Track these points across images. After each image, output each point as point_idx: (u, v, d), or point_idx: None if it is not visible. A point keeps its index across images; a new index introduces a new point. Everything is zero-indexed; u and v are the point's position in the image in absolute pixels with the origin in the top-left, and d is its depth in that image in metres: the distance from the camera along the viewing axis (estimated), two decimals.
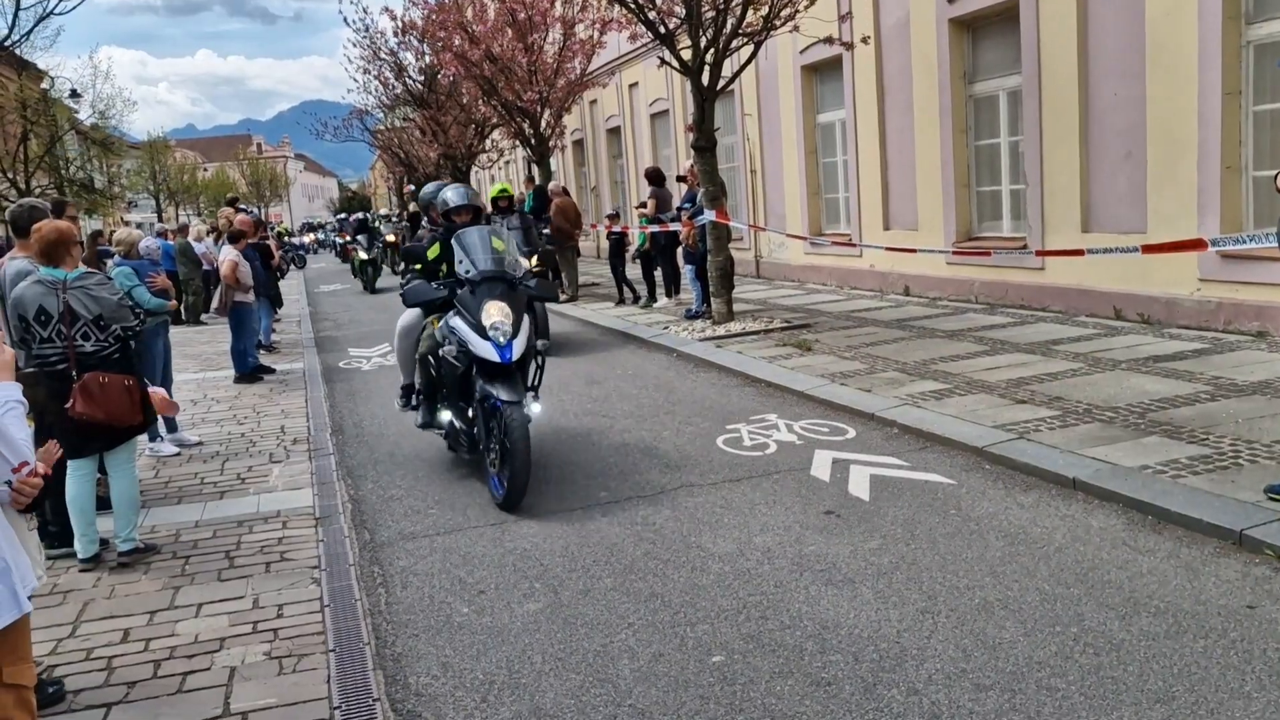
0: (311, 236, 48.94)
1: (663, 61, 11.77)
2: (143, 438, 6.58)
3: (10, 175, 23.60)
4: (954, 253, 11.36)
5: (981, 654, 3.72)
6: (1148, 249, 6.80)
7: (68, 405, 5.03)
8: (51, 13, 21.31)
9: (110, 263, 7.72)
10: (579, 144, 27.55)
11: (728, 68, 11.30)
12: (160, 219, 47.18)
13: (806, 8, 10.98)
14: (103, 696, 3.90)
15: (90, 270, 5.48)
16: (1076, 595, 4.15)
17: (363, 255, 22.56)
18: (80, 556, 5.32)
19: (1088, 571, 4.37)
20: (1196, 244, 6.49)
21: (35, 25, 21.63)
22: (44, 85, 25.99)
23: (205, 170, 67.08)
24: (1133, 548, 4.59)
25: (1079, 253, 8.23)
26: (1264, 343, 8.09)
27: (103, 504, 5.57)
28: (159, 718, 3.71)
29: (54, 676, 3.99)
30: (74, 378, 5.10)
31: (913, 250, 10.84)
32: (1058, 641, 3.77)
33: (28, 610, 2.69)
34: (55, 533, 5.47)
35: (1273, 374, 7.08)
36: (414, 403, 7.14)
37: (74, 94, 26.79)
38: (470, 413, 6.31)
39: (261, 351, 12.12)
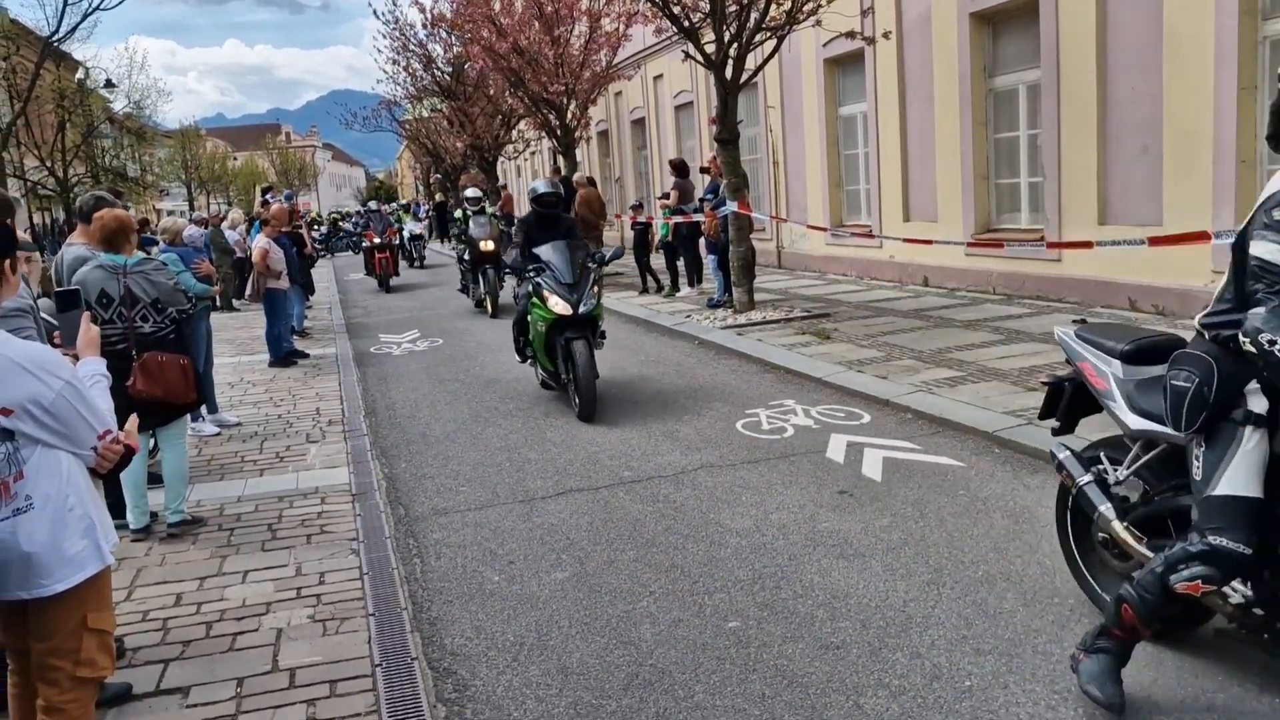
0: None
1: (687, 55, 11.98)
2: (188, 416, 6.90)
3: (49, 164, 24.09)
4: (970, 244, 11.53)
5: (983, 622, 3.96)
6: (1154, 241, 6.97)
7: (128, 383, 5.33)
8: (98, 8, 21.66)
9: (155, 249, 8.04)
10: (604, 135, 27.77)
11: (751, 61, 11.49)
12: (192, 207, 47.77)
13: (829, 2, 11.15)
14: (160, 654, 4.20)
15: (148, 256, 5.80)
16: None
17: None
18: (132, 527, 5.62)
19: None
20: (1201, 236, 6.66)
21: (81, 20, 22.04)
22: (79, 76, 26.49)
23: (235, 159, 67.81)
24: None
25: (1088, 244, 8.42)
26: None
27: (151, 479, 5.90)
28: (213, 672, 4.00)
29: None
30: (134, 357, 5.41)
31: (930, 241, 11.01)
32: (1055, 611, 4.00)
33: (110, 563, 2.97)
34: (109, 504, 5.79)
35: None
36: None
37: (109, 84, 27.27)
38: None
39: (295, 337, 12.46)
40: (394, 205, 42.86)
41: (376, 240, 20.40)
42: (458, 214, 17.60)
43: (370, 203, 29.86)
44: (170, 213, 31.54)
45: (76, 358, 3.08)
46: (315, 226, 37.22)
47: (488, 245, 14.57)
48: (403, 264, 23.33)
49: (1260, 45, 8.59)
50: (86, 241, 5.67)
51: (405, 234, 24.39)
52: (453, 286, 18.58)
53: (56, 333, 3.29)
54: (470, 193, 17.16)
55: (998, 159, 12.26)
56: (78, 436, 2.81)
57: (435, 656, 4.06)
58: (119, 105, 30.19)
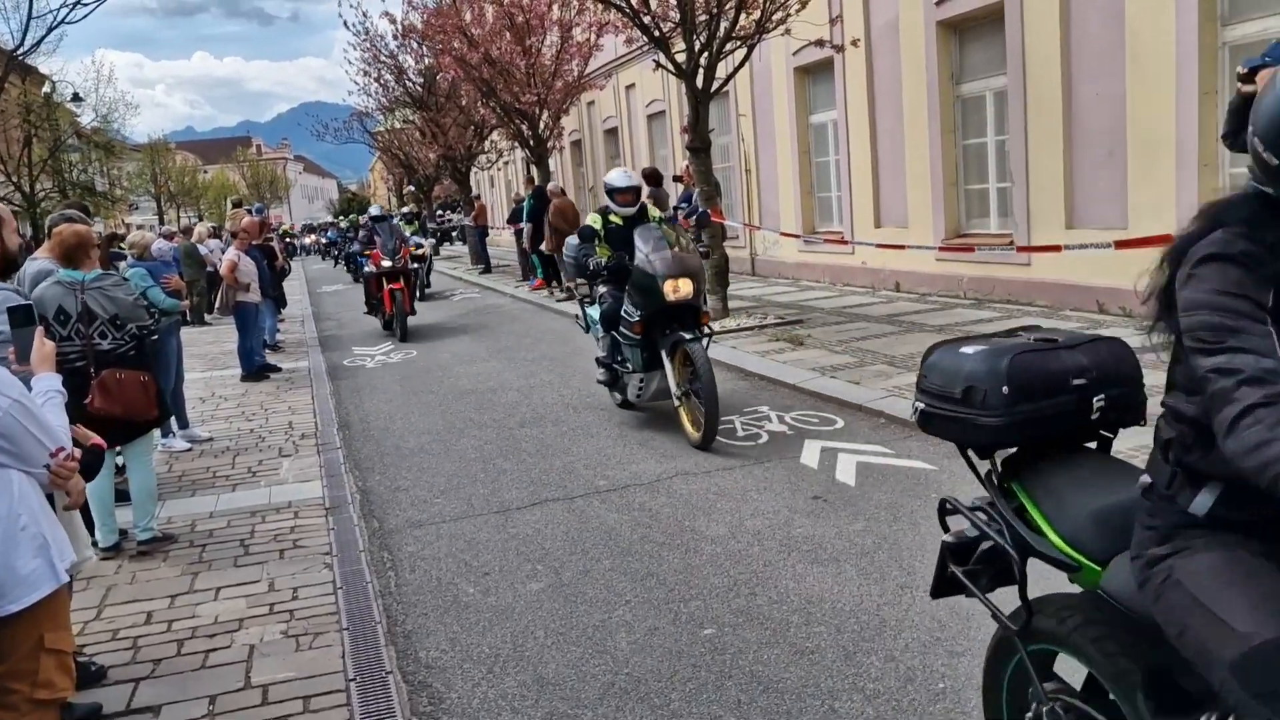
0: (312, 238, 49.05)
1: (658, 65, 12.03)
2: (155, 433, 6.83)
3: (15, 179, 23.83)
4: (941, 249, 11.62)
5: (955, 624, 3.97)
6: (1120, 244, 7.06)
7: (86, 401, 5.26)
8: (62, 22, 21.54)
9: (124, 264, 7.97)
10: (577, 145, 27.79)
11: (721, 70, 11.55)
12: (162, 221, 47.35)
13: (798, 11, 11.24)
14: (130, 673, 4.14)
15: (107, 272, 5.73)
16: (1050, 569, 4.39)
17: None
18: (101, 545, 5.53)
19: None
20: (1165, 239, 6.72)
21: (45, 35, 21.91)
22: (45, 89, 26.23)
23: (205, 173, 67.29)
24: None
25: (1056, 248, 8.50)
26: None
27: (120, 497, 5.83)
28: (185, 691, 3.95)
29: (88, 656, 4.21)
30: (92, 374, 5.34)
31: (902, 247, 11.09)
32: None
33: (65, 581, 2.91)
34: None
35: None
36: None
37: (76, 98, 27.03)
38: None
39: (267, 350, 12.37)
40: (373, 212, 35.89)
41: (386, 263, 13.89)
42: (590, 221, 8.09)
43: (372, 208, 19.87)
44: (139, 227, 31.04)
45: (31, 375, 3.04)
46: (289, 238, 36.66)
47: (682, 288, 7.05)
48: None
49: (1220, 50, 8.73)
50: (49, 256, 5.61)
51: None
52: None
53: (10, 350, 3.24)
54: (617, 178, 8.01)
55: (966, 165, 12.38)
56: (28, 455, 2.77)
57: (410, 670, 4.04)
58: (86, 119, 29.93)
